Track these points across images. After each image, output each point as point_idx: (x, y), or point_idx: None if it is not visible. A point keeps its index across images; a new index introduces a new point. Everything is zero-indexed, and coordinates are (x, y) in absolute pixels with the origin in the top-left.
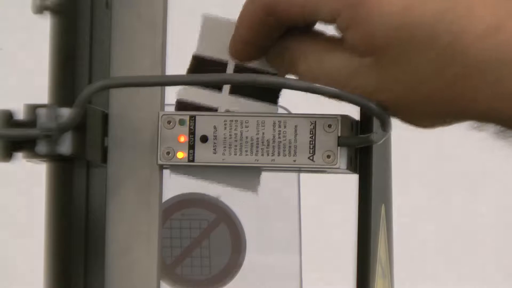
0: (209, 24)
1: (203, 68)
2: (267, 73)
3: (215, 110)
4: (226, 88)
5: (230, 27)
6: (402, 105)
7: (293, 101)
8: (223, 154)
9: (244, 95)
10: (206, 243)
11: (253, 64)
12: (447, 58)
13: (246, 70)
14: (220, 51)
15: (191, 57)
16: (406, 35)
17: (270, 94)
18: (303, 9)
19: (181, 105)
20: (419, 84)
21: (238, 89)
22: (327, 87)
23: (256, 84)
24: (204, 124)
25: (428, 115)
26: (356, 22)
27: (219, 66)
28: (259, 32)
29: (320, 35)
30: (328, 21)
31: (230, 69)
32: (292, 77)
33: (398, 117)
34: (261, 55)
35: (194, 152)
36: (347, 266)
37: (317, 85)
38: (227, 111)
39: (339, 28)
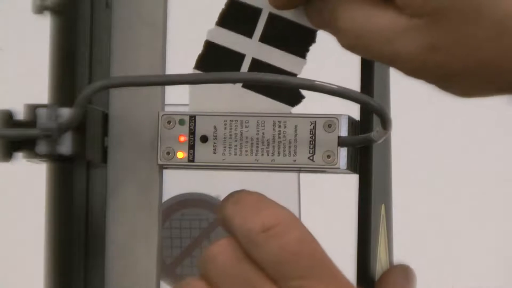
0: None
1: (236, 12)
2: (301, 25)
3: (243, 56)
4: (257, 34)
5: None
6: (449, 70)
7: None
8: (223, 154)
9: (274, 43)
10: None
11: (288, 15)
12: (505, 27)
13: (280, 19)
14: None
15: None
16: (466, 1)
17: (299, 47)
18: None
19: (210, 46)
20: (470, 50)
21: (269, 37)
22: (329, 85)
23: (260, 82)
24: (204, 124)
25: (470, 83)
26: None
27: (253, 13)
28: None
29: None
30: None
31: (263, 17)
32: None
33: (440, 84)
34: (301, 2)
35: (194, 152)
36: (347, 266)
37: (319, 83)
38: (253, 59)
39: None
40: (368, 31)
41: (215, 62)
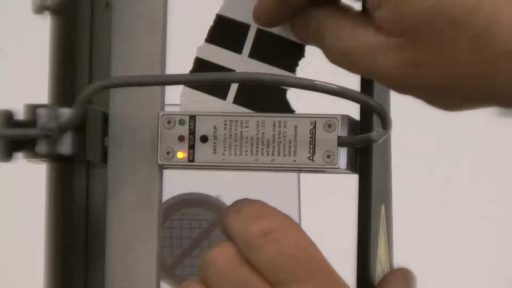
0: None
1: (225, 28)
2: (289, 40)
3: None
4: (246, 50)
5: None
6: (430, 85)
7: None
8: (223, 154)
9: (264, 59)
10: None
11: (276, 30)
12: (482, 41)
13: (268, 35)
14: (244, 14)
15: (215, 15)
16: (440, 17)
17: (289, 62)
18: None
19: (200, 63)
20: (449, 64)
21: (258, 53)
22: (329, 85)
23: (258, 82)
24: (204, 124)
25: (454, 98)
26: (387, 1)
27: (241, 28)
28: None
29: (349, 9)
30: None
31: (251, 33)
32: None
33: (425, 99)
34: (286, 20)
35: (194, 152)
36: (347, 265)
37: (319, 82)
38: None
39: (369, 6)
40: (352, 49)
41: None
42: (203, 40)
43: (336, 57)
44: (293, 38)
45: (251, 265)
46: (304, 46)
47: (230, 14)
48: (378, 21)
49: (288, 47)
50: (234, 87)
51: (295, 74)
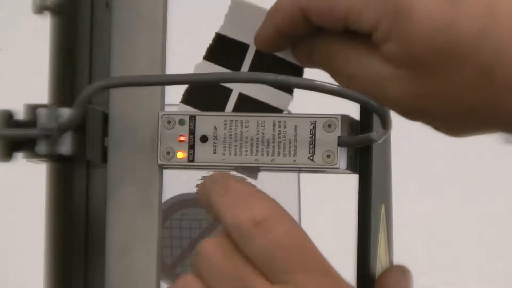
0: (238, 7)
1: (224, 47)
2: (288, 62)
3: (230, 90)
4: (245, 69)
5: (258, 13)
6: (436, 114)
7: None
8: (223, 154)
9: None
10: None
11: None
12: (487, 76)
13: (267, 56)
14: (244, 34)
15: (214, 34)
16: (446, 53)
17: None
18: (345, 18)
19: (191, 98)
20: (455, 97)
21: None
22: (329, 85)
23: (260, 82)
24: (204, 124)
25: (461, 125)
26: (395, 35)
27: (241, 48)
28: (291, 27)
29: (355, 35)
30: (367, 31)
31: (251, 53)
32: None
33: (431, 125)
34: (287, 47)
35: (194, 152)
36: (347, 265)
37: (319, 82)
38: (240, 94)
39: (377, 39)
40: (359, 76)
41: (202, 96)
42: (201, 57)
43: (344, 82)
44: (291, 59)
45: (242, 255)
46: (303, 68)
47: (230, 33)
48: (386, 53)
49: (287, 69)
50: (231, 104)
51: (292, 95)
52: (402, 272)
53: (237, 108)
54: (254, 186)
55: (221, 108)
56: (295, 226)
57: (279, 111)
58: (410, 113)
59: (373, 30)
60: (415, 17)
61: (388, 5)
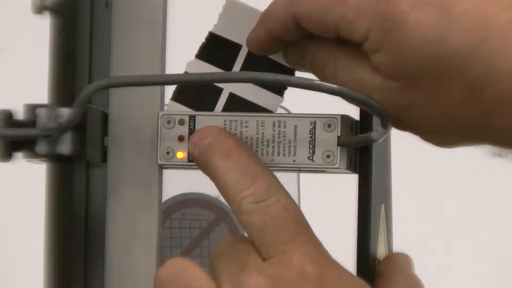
0: (232, 7)
1: (217, 46)
2: (280, 64)
3: (220, 90)
4: (236, 69)
5: (252, 15)
6: (424, 127)
7: (293, 100)
8: None
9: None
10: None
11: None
12: (476, 90)
13: (259, 57)
14: (237, 35)
15: (207, 32)
16: (437, 66)
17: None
18: (337, 27)
19: (182, 96)
20: (444, 111)
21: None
22: (329, 85)
23: (260, 82)
24: (204, 124)
25: (449, 137)
26: (386, 47)
27: (233, 48)
28: (283, 31)
29: (347, 43)
30: (358, 40)
31: (243, 53)
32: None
33: (420, 136)
34: (278, 50)
35: None
36: (347, 265)
37: (319, 82)
38: (231, 94)
39: (367, 49)
40: (348, 83)
41: (192, 95)
42: (194, 55)
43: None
44: (283, 62)
45: (245, 239)
46: (294, 70)
47: (223, 33)
48: (375, 63)
49: (278, 71)
50: (221, 103)
51: (282, 97)
52: (405, 256)
53: (227, 108)
54: (253, 153)
55: (211, 107)
56: (293, 202)
57: (269, 112)
58: (397, 124)
59: (364, 40)
60: (405, 28)
61: (379, 16)
